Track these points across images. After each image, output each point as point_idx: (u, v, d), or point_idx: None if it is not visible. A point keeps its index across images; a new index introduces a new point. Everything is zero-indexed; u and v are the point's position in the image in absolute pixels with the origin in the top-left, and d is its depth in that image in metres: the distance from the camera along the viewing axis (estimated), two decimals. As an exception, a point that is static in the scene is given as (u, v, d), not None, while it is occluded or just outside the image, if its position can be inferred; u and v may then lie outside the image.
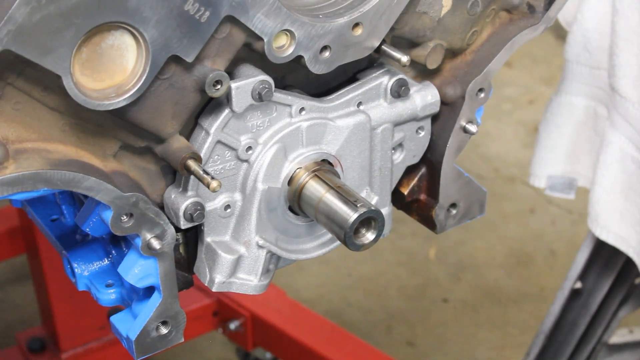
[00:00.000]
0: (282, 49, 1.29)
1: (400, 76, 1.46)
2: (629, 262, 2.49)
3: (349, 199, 1.35)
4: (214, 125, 1.30)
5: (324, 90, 1.47)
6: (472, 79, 1.52)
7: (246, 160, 1.36)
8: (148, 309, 1.36)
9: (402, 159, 1.55)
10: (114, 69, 1.16)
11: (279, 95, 1.35)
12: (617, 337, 2.78)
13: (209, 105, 1.31)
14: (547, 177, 2.54)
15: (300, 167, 1.40)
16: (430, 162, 1.59)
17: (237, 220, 1.39)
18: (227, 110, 1.30)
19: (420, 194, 1.63)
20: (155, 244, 1.29)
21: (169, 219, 1.32)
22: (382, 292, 4.22)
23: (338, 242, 1.46)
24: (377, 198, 1.51)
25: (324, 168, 1.41)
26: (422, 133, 1.55)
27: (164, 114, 1.25)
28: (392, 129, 1.49)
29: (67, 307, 3.06)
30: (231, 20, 1.22)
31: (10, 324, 3.94)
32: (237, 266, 1.40)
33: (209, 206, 1.36)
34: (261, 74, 1.29)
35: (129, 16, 1.11)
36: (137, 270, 1.32)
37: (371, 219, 1.35)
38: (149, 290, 1.37)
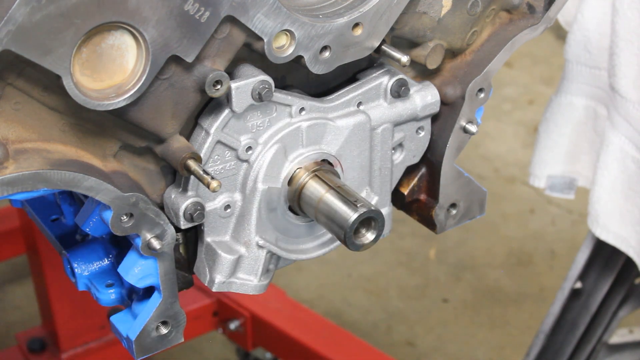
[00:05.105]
0: (282, 49, 1.30)
1: (400, 76, 1.46)
2: (629, 262, 2.49)
3: (349, 199, 1.35)
4: (214, 125, 1.30)
5: (324, 90, 1.47)
6: (472, 79, 1.52)
7: (246, 160, 1.36)
8: (148, 309, 1.36)
9: (402, 159, 1.55)
10: (114, 69, 1.16)
11: (279, 95, 1.35)
12: (617, 337, 2.78)
13: (209, 105, 1.31)
14: (547, 177, 2.54)
15: (300, 167, 1.40)
16: (430, 162, 1.59)
17: (237, 220, 1.39)
18: (227, 111, 1.30)
19: (420, 194, 1.63)
20: (155, 244, 1.29)
21: (169, 219, 1.32)
22: (382, 292, 4.22)
23: (338, 242, 1.46)
24: (377, 198, 1.51)
25: (324, 168, 1.41)
26: (422, 133, 1.55)
27: (164, 114, 1.25)
28: (392, 129, 1.49)
29: (67, 307, 3.06)
30: (231, 20, 1.22)
31: (10, 324, 3.94)
32: (237, 266, 1.40)
33: (209, 206, 1.36)
34: (261, 74, 1.29)
35: (129, 16, 1.11)
36: (137, 270, 1.32)
37: (371, 219, 1.35)
38: (149, 290, 1.37)
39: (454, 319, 4.08)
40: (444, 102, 1.54)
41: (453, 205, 1.63)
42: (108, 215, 1.25)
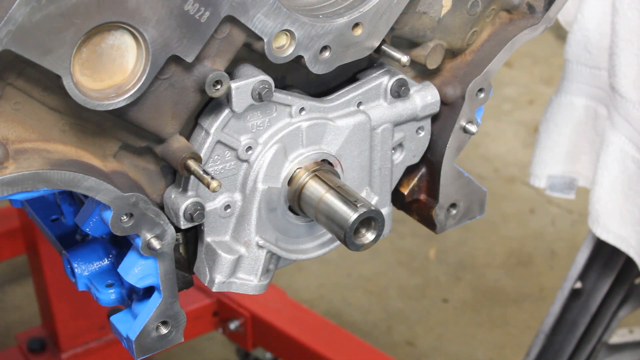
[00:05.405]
0: (282, 49, 1.30)
1: (400, 76, 1.46)
2: (629, 262, 2.49)
3: (349, 199, 1.35)
4: (214, 125, 1.30)
5: (324, 90, 1.47)
6: (472, 79, 1.52)
7: (246, 160, 1.36)
8: (148, 309, 1.36)
9: (402, 159, 1.55)
10: (114, 69, 1.16)
11: (279, 95, 1.35)
12: (617, 337, 2.78)
13: (209, 105, 1.31)
14: (547, 177, 2.54)
15: (300, 167, 1.40)
16: (430, 162, 1.59)
17: (237, 220, 1.39)
18: (227, 111, 1.30)
19: (420, 194, 1.63)
20: (155, 244, 1.29)
21: (169, 219, 1.32)
22: (382, 292, 4.22)
23: (338, 242, 1.46)
24: (377, 198, 1.51)
25: (324, 168, 1.41)
26: (422, 133, 1.55)
27: (164, 114, 1.25)
28: (392, 129, 1.49)
29: (67, 307, 3.06)
30: (231, 20, 1.22)
31: (10, 324, 3.94)
32: (237, 266, 1.40)
33: (209, 206, 1.36)
34: (261, 74, 1.29)
35: (129, 16, 1.11)
36: (137, 270, 1.32)
37: (371, 219, 1.35)
38: (149, 290, 1.37)
39: (454, 319, 4.08)
40: (444, 102, 1.54)
41: (453, 205, 1.63)
42: (108, 215, 1.25)
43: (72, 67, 1.11)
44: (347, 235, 1.33)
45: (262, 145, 1.36)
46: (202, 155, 1.30)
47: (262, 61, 1.31)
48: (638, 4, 2.12)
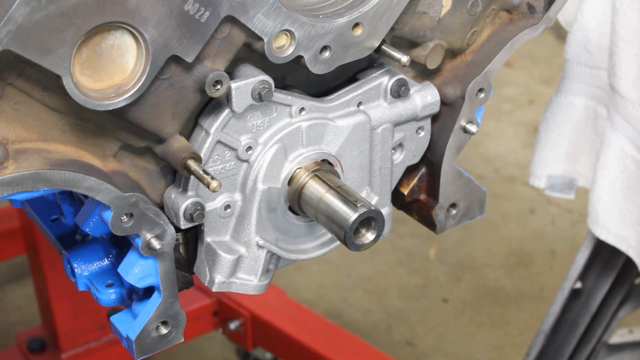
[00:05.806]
0: (282, 49, 1.30)
1: (400, 76, 1.46)
2: (629, 262, 2.49)
3: (349, 199, 1.35)
4: (214, 125, 1.30)
5: (324, 90, 1.47)
6: (472, 79, 1.52)
7: (246, 160, 1.36)
8: (148, 309, 1.36)
9: (402, 159, 1.55)
10: (114, 69, 1.16)
11: (279, 95, 1.35)
12: (617, 337, 2.78)
13: (209, 105, 1.31)
14: (547, 177, 2.54)
15: (300, 167, 1.40)
16: (430, 162, 1.59)
17: (237, 220, 1.39)
18: (227, 111, 1.30)
19: (420, 194, 1.63)
20: (155, 244, 1.29)
21: (169, 219, 1.32)
22: (382, 292, 4.22)
23: (338, 242, 1.46)
24: (377, 198, 1.51)
25: (324, 168, 1.41)
26: (422, 133, 1.55)
27: (164, 114, 1.25)
28: (392, 129, 1.49)
29: (67, 307, 3.06)
30: (231, 20, 1.22)
31: (10, 324, 3.94)
32: (237, 266, 1.40)
33: (209, 206, 1.36)
34: (261, 74, 1.29)
35: (129, 16, 1.11)
36: (137, 270, 1.32)
37: (371, 219, 1.35)
38: (149, 290, 1.37)
39: (454, 319, 4.08)
40: (444, 102, 1.54)
41: (453, 205, 1.63)
42: (108, 215, 1.25)
43: (72, 67, 1.11)
44: (347, 235, 1.33)
45: (262, 145, 1.36)
46: (202, 155, 1.30)
47: (262, 61, 1.31)
48: (638, 4, 2.12)
